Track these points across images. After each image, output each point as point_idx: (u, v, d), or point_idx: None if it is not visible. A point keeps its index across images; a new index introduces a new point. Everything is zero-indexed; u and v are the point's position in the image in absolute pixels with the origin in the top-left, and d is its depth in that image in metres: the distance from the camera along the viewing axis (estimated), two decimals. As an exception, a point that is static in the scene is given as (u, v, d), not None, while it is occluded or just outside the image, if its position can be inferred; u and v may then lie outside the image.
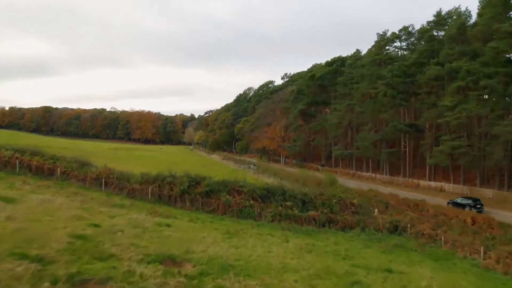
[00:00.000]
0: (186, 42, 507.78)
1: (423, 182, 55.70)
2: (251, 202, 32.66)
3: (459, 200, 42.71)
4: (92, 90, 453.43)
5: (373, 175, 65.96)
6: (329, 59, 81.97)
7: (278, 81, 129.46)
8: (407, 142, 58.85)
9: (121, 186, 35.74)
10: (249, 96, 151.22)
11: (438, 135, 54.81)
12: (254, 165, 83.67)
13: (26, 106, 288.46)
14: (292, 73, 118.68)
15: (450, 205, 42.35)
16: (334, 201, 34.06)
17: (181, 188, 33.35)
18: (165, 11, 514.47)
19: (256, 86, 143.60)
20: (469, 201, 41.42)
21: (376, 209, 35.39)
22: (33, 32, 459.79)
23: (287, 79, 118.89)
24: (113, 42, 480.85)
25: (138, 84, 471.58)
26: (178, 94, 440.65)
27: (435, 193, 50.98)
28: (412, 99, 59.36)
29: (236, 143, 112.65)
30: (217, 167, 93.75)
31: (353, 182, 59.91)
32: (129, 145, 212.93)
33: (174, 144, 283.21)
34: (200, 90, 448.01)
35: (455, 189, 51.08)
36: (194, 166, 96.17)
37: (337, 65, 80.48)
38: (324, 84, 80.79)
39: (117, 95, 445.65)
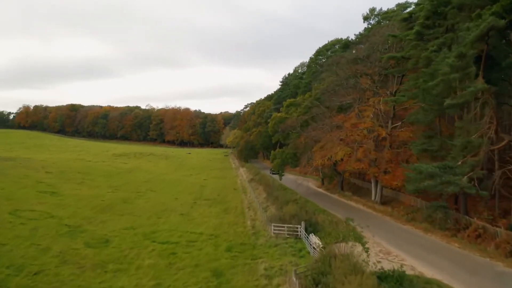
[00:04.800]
0: (244, 40, 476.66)
1: None
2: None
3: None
4: (147, 91, 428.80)
5: None
6: None
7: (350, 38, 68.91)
8: None
9: None
10: (303, 70, 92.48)
11: None
12: (320, 243, 25.14)
13: (52, 105, 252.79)
14: (385, 9, 57.93)
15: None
16: None
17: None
18: (222, 8, 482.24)
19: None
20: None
21: None
22: (87, 33, 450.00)
23: (374, 21, 58.47)
24: (168, 41, 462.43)
25: (194, 85, 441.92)
26: (234, 94, 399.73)
27: None
28: None
29: (273, 151, 53.63)
30: (202, 238, 36.36)
31: None
32: (149, 148, 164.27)
33: (214, 147, 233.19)
34: (257, 89, 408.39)
35: None
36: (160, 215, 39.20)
37: None
38: None
39: (173, 96, 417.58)
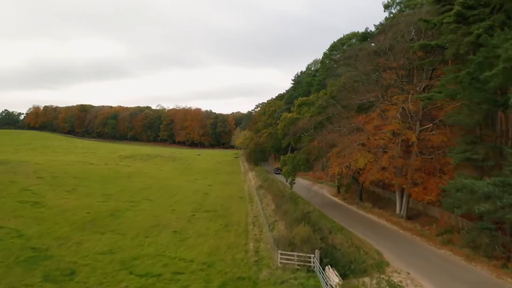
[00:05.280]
0: (257, 40, 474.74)
1: None
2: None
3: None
4: (160, 92, 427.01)
5: None
6: None
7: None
8: None
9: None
10: (317, 67, 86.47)
11: None
12: (339, 281, 19.40)
13: (62, 105, 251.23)
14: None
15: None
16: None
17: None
18: (234, 8, 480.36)
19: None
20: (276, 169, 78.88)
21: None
22: (100, 33, 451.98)
23: (395, 10, 51.41)
24: (181, 41, 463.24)
25: (208, 85, 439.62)
26: (248, 94, 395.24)
27: None
28: None
29: (283, 156, 47.54)
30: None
31: None
32: (157, 150, 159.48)
33: (225, 148, 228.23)
34: (271, 89, 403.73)
35: None
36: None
37: None
38: None
39: (186, 96, 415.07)
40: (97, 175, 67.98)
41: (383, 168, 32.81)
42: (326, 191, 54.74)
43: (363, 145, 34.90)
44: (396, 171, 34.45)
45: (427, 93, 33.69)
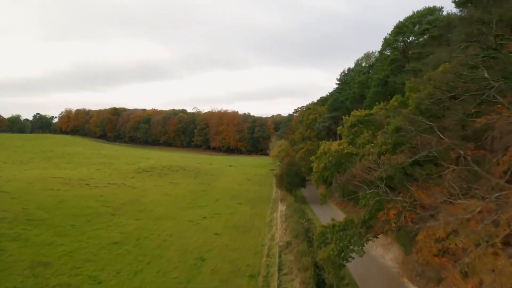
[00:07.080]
0: (301, 39, 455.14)
1: None
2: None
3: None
4: (201, 94, 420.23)
5: None
6: None
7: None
8: None
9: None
10: (370, 62, 63.99)
11: None
12: None
13: (95, 108, 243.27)
14: None
15: None
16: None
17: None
18: (278, 6, 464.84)
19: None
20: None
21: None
22: (139, 34, 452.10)
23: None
24: (222, 43, 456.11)
25: (251, 86, 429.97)
26: (293, 95, 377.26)
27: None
28: None
29: (322, 227, 26.13)
30: None
31: None
32: (186, 159, 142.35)
33: (263, 154, 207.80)
34: (315, 90, 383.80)
35: None
36: None
37: None
38: None
39: (228, 97, 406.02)
40: (71, 211, 50.35)
41: None
42: (396, 265, 32.57)
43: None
44: None
45: None
